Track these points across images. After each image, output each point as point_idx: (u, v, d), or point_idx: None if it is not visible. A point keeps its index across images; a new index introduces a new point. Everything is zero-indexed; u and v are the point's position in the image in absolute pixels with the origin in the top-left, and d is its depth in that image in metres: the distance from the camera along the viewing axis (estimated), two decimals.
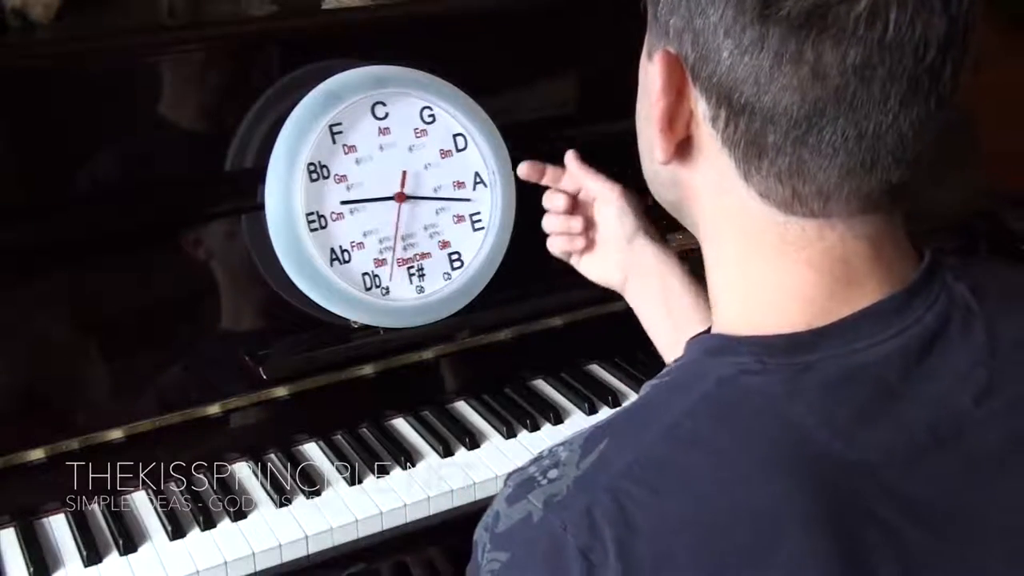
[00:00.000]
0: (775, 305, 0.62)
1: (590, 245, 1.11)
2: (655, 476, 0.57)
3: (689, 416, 0.59)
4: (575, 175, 1.12)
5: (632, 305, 1.09)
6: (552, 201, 1.12)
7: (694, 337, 0.66)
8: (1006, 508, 0.59)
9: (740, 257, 0.63)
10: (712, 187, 0.62)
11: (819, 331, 0.60)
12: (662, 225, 1.09)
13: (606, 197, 1.09)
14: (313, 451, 1.28)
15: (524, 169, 1.16)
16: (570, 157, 1.13)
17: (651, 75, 0.63)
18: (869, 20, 0.54)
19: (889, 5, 0.54)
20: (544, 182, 1.15)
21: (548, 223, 1.13)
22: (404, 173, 1.30)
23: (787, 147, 0.57)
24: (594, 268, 1.11)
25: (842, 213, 0.60)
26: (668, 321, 1.05)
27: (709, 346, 0.63)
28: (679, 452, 0.58)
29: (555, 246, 1.13)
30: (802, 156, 0.57)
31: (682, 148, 0.62)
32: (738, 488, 0.57)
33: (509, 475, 0.63)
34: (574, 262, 1.14)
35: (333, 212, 1.26)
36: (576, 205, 1.12)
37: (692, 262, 1.38)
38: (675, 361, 0.65)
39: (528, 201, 1.34)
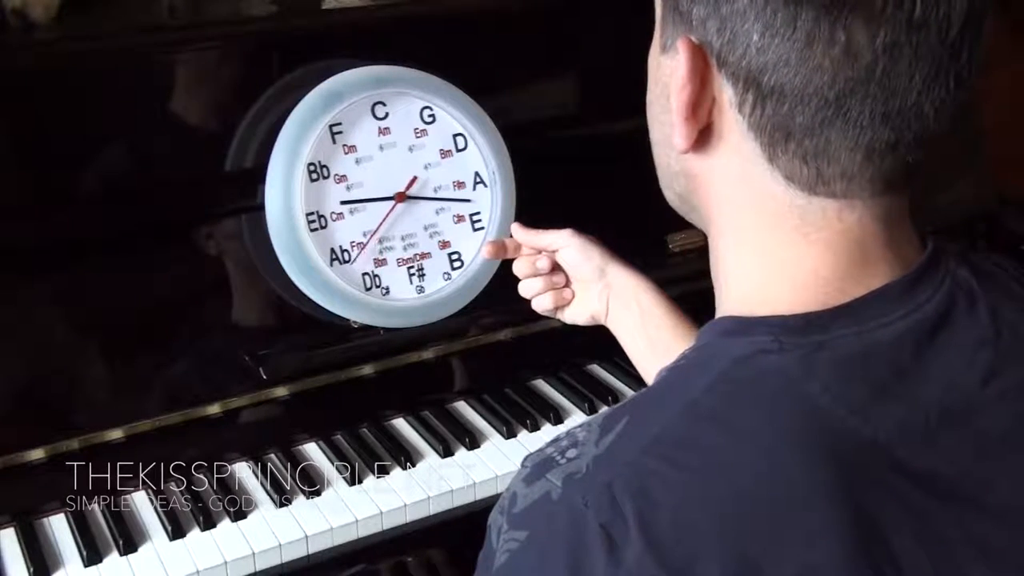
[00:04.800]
0: (791, 285, 0.63)
1: (573, 294, 1.14)
2: (675, 452, 0.58)
3: (707, 394, 0.60)
4: (528, 239, 1.16)
5: (612, 330, 1.11)
6: (533, 264, 1.14)
7: (707, 322, 0.66)
8: (1016, 484, 0.60)
9: (758, 240, 0.64)
10: (733, 173, 0.63)
11: (833, 310, 0.61)
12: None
13: (563, 242, 1.12)
14: (313, 451, 1.28)
15: (488, 250, 1.23)
16: (516, 228, 1.17)
17: (666, 68, 0.64)
18: (897, 0, 0.55)
19: None
20: (509, 254, 1.18)
21: (527, 287, 1.15)
22: (415, 178, 1.30)
23: (815, 128, 0.59)
24: (581, 312, 1.14)
25: (863, 194, 0.61)
26: (646, 343, 1.07)
27: (723, 328, 0.64)
28: (699, 429, 0.59)
29: (542, 305, 1.14)
30: (829, 136, 0.59)
31: (701, 136, 0.63)
32: (758, 463, 0.57)
33: (526, 457, 0.63)
34: (560, 316, 1.16)
35: (333, 212, 1.26)
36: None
37: (693, 260, 1.39)
38: (689, 348, 0.66)
39: (528, 201, 1.35)
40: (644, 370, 1.09)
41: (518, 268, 1.15)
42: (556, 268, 1.13)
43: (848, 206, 0.61)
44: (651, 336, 1.06)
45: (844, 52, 0.56)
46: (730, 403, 0.60)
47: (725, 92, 0.61)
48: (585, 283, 1.12)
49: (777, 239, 0.63)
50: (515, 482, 0.62)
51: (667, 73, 0.63)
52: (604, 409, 0.64)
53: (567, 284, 1.13)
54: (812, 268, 0.62)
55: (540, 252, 1.14)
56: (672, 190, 0.70)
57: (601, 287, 1.10)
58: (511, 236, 1.18)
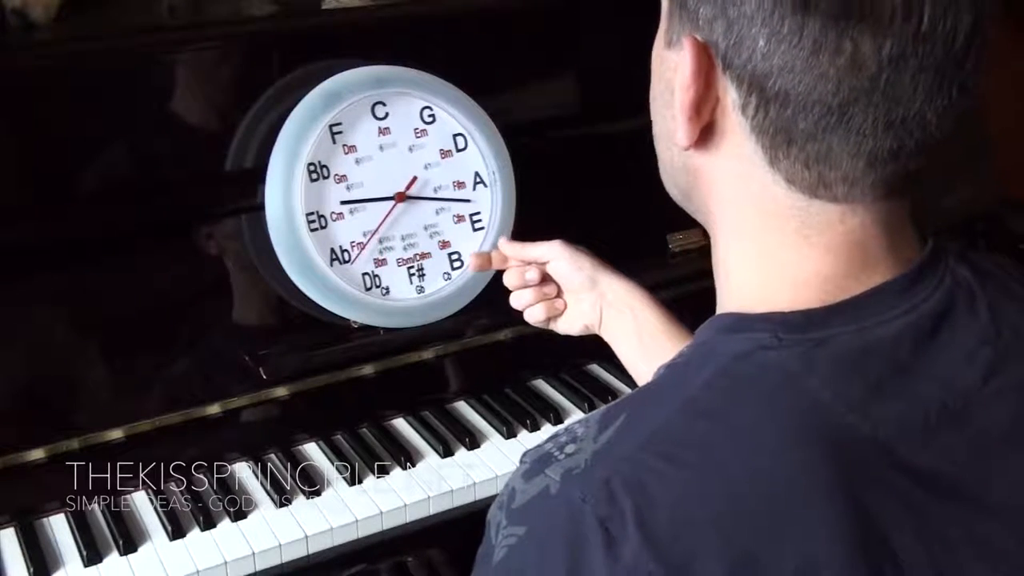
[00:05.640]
0: (792, 284, 0.63)
1: (565, 305, 1.13)
2: (673, 448, 0.58)
3: (706, 390, 0.60)
4: (515, 252, 1.15)
5: (607, 339, 1.11)
6: (522, 277, 1.13)
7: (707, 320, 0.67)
8: (1015, 484, 0.60)
9: (759, 239, 0.64)
10: (735, 172, 0.63)
11: (833, 307, 0.61)
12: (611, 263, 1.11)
13: (552, 254, 1.11)
14: (313, 451, 1.28)
15: (474, 263, 1.22)
16: (503, 242, 1.17)
17: (670, 63, 0.64)
18: (905, 12, 0.55)
19: None
20: (495, 267, 1.18)
21: (518, 299, 1.14)
22: (415, 178, 1.30)
23: (818, 134, 0.59)
24: (573, 322, 1.13)
25: (865, 199, 0.61)
26: (640, 350, 1.07)
27: (723, 324, 0.65)
28: (697, 424, 0.59)
29: (534, 316, 1.14)
30: (831, 143, 0.59)
31: (704, 134, 0.63)
32: (757, 458, 0.57)
33: (524, 453, 0.63)
34: (553, 326, 1.15)
35: (333, 212, 1.26)
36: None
37: (691, 260, 1.39)
38: (688, 344, 0.66)
39: (528, 201, 1.35)
40: (639, 377, 1.08)
41: (508, 280, 1.15)
42: (547, 279, 1.12)
43: (850, 210, 0.62)
44: (646, 344, 1.06)
45: (849, 62, 0.56)
46: (729, 399, 0.60)
47: (729, 93, 0.61)
48: (577, 293, 1.11)
49: (778, 240, 0.63)
50: (514, 478, 0.62)
51: (671, 68, 0.64)
52: (602, 406, 0.64)
53: (559, 294, 1.13)
54: (814, 269, 0.62)
55: (530, 264, 1.13)
56: (676, 186, 0.70)
57: (594, 297, 1.10)
58: (498, 249, 1.17)
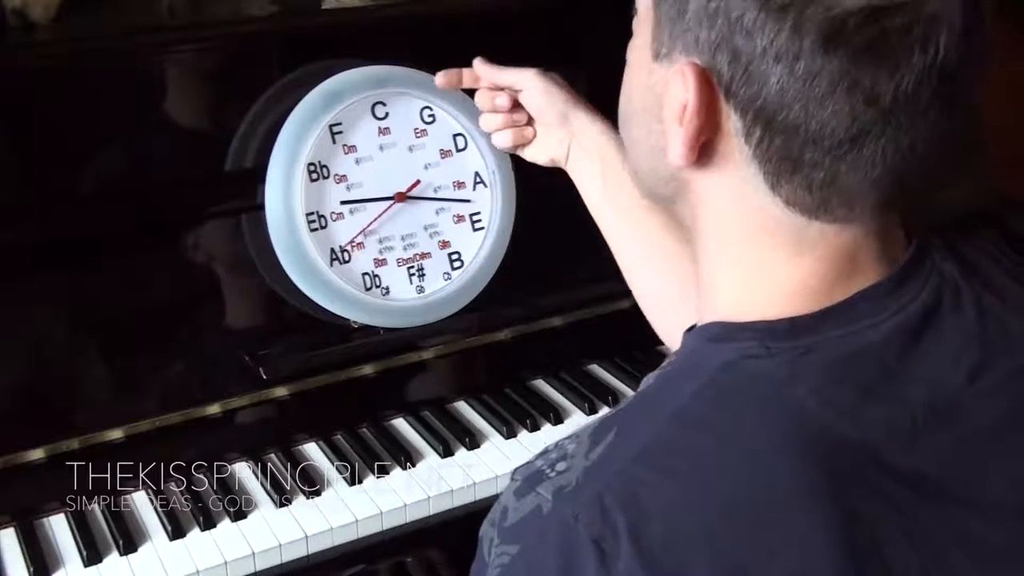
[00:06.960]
0: (780, 293, 0.63)
1: (534, 133, 1.12)
2: (665, 459, 0.58)
3: (695, 401, 0.60)
4: (489, 74, 1.12)
5: (572, 176, 1.09)
6: (492, 100, 1.11)
7: (693, 327, 0.66)
8: (1006, 481, 0.60)
9: (748, 252, 0.64)
10: (729, 191, 0.63)
11: (820, 314, 0.61)
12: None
13: (526, 83, 1.09)
14: (313, 451, 1.28)
15: (440, 79, 1.17)
16: (478, 62, 1.13)
17: (658, 76, 0.62)
18: (923, 46, 0.55)
19: (939, 29, 0.55)
20: (465, 85, 1.15)
21: (486, 122, 1.13)
22: (417, 181, 1.30)
23: (825, 162, 0.58)
24: (540, 152, 1.11)
25: (864, 216, 0.61)
26: (604, 193, 1.05)
27: (711, 334, 0.64)
28: (688, 435, 0.59)
29: (501, 141, 1.12)
30: (838, 170, 0.58)
31: (699, 153, 0.62)
32: (747, 467, 0.57)
33: (515, 470, 0.63)
34: (520, 153, 1.14)
35: (333, 212, 1.26)
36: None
37: None
38: (675, 352, 0.66)
39: (528, 201, 1.35)
40: (600, 218, 1.06)
41: (478, 100, 1.13)
42: (518, 106, 1.11)
43: (846, 227, 0.61)
44: (610, 188, 1.04)
45: (865, 99, 0.55)
46: (718, 408, 0.60)
47: (731, 120, 0.60)
48: (547, 126, 1.09)
49: (769, 254, 0.63)
50: (505, 495, 0.62)
51: (659, 82, 0.62)
52: (592, 419, 0.64)
53: (529, 122, 1.11)
54: (802, 279, 0.62)
55: (502, 90, 1.11)
56: (657, 193, 0.69)
57: (564, 133, 1.08)
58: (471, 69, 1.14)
